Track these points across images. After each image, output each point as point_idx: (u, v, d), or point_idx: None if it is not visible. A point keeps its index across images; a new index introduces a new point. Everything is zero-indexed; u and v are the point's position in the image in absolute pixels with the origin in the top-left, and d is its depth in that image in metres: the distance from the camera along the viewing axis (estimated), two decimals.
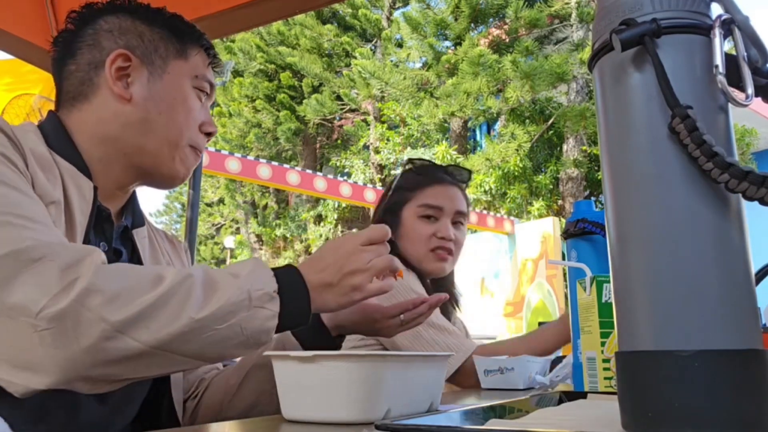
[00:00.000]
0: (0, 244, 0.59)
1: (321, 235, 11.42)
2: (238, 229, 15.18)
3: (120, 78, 0.85)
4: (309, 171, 6.30)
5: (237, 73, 11.58)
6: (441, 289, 1.48)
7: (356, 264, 0.75)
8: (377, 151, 10.34)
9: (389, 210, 1.44)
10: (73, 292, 0.58)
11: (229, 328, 0.64)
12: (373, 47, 10.59)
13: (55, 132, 0.82)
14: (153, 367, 0.62)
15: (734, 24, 0.44)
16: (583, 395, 0.81)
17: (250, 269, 0.68)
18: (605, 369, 0.93)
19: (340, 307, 0.76)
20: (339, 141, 12.17)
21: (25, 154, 0.73)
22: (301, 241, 12.51)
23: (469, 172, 1.55)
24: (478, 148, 10.08)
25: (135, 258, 0.89)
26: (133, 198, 0.93)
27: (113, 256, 0.85)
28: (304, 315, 0.73)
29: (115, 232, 0.87)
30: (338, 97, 10.59)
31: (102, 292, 0.59)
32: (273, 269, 0.71)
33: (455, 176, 1.49)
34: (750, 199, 0.41)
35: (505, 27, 8.96)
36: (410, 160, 1.52)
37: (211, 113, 0.99)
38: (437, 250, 1.41)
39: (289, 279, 0.71)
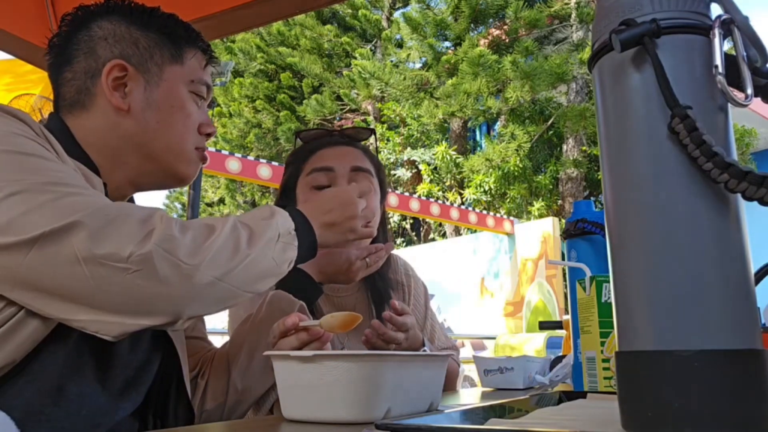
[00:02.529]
0: (79, 207, 0.66)
1: None
2: None
3: (116, 88, 0.85)
4: None
5: (237, 74, 11.57)
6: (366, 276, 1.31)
7: (354, 210, 0.89)
8: (377, 152, 10.32)
9: (284, 191, 1.28)
10: (153, 238, 0.66)
11: (267, 261, 0.75)
12: (373, 47, 10.59)
13: (61, 134, 0.83)
14: (220, 300, 0.72)
15: (734, 24, 0.44)
16: (582, 395, 0.81)
17: (271, 212, 0.80)
18: (605, 369, 0.93)
19: (336, 244, 0.89)
20: None
21: (54, 146, 0.76)
22: None
23: (371, 130, 1.35)
24: (478, 148, 10.07)
25: None
26: (131, 201, 0.94)
27: None
28: (314, 248, 0.85)
29: None
30: (338, 98, 10.58)
31: (175, 238, 0.67)
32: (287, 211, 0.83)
33: (349, 136, 1.29)
34: (749, 199, 0.41)
35: (505, 27, 8.95)
36: (296, 132, 1.33)
37: (211, 113, 1.01)
38: None
39: (300, 219, 0.83)
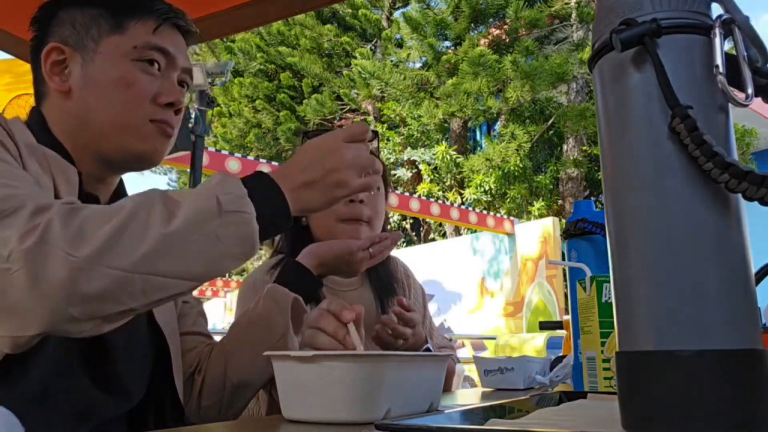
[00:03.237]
0: None
1: None
2: None
3: (58, 73, 0.84)
4: None
5: (237, 73, 11.57)
6: (371, 271, 1.35)
7: (339, 160, 0.72)
8: (378, 152, 10.31)
9: None
10: (38, 231, 0.58)
11: (204, 238, 0.62)
12: (373, 47, 10.59)
13: (38, 125, 0.83)
14: (138, 295, 0.60)
15: (734, 24, 0.44)
16: (583, 395, 0.81)
17: (217, 180, 0.67)
18: (605, 369, 0.93)
19: (324, 205, 0.73)
20: None
21: (17, 143, 0.74)
22: None
23: (375, 133, 1.46)
24: (478, 148, 10.07)
25: None
26: (121, 193, 0.92)
27: None
28: (283, 215, 0.70)
29: None
30: (338, 97, 10.58)
31: (65, 228, 0.58)
32: (242, 178, 0.69)
33: None
34: (750, 199, 0.41)
35: (505, 27, 8.95)
36: (304, 132, 1.41)
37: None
38: (347, 221, 1.28)
39: (258, 182, 0.69)
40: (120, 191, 0.91)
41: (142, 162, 0.86)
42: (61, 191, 0.77)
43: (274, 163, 5.77)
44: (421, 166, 9.72)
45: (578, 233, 1.09)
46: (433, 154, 9.34)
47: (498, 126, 9.65)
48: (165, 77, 0.86)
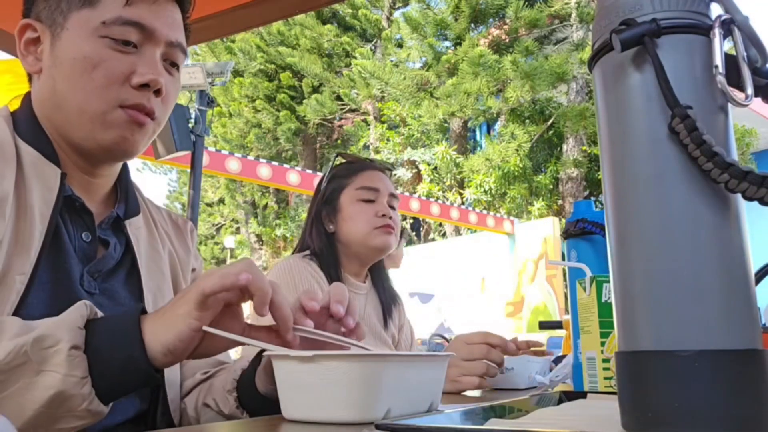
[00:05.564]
0: None
1: None
2: (238, 229, 15.21)
3: (33, 52, 0.78)
4: (309, 171, 6.31)
5: (237, 73, 11.58)
6: (378, 281, 1.54)
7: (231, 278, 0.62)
8: (377, 151, 10.35)
9: (326, 201, 1.49)
10: None
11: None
12: (373, 47, 10.60)
13: (24, 118, 0.78)
14: None
15: (734, 24, 0.44)
16: (583, 395, 0.81)
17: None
18: (605, 369, 0.93)
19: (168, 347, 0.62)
20: (339, 141, 12.19)
21: None
22: None
23: (392, 166, 1.70)
24: (478, 148, 10.08)
25: (129, 251, 0.83)
26: (123, 185, 0.86)
27: (100, 246, 0.80)
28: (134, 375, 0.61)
29: (105, 222, 0.81)
30: (338, 97, 10.60)
31: None
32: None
33: (382, 165, 1.58)
34: (750, 199, 0.41)
35: (505, 27, 8.96)
36: (339, 153, 1.61)
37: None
38: (381, 227, 1.44)
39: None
40: (123, 190, 0.86)
41: (113, 154, 0.78)
42: (33, 194, 0.71)
43: (274, 163, 5.77)
44: (421, 166, 9.73)
45: (578, 233, 1.09)
46: (433, 154, 9.35)
47: (498, 126, 9.66)
48: (141, 54, 0.76)
